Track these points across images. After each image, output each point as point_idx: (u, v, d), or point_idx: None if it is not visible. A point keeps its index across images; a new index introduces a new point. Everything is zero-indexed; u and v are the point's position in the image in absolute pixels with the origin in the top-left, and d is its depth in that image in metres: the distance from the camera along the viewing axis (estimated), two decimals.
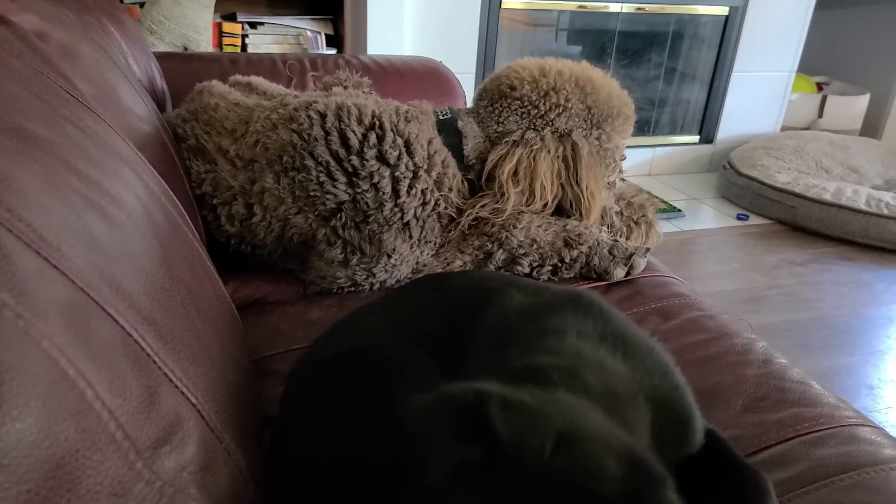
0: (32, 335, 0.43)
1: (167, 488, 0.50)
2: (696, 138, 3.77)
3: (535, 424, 0.49)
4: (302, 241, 1.24)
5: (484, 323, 0.71)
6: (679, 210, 3.19)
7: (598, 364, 0.62)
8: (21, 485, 0.40)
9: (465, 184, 1.27)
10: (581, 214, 1.25)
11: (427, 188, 1.19)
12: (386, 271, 1.20)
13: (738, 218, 3.19)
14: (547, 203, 1.24)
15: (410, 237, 1.20)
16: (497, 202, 1.22)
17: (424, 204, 1.20)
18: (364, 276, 1.20)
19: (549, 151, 1.22)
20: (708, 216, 3.23)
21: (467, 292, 0.80)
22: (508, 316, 0.71)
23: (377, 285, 1.21)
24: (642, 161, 3.69)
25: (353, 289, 1.21)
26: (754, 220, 3.16)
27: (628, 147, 1.48)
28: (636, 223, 1.35)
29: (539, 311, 0.71)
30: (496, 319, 0.71)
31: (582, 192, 1.24)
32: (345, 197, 1.17)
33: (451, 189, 1.23)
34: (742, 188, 3.30)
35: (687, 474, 0.67)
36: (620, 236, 1.30)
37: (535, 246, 1.19)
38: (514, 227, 1.20)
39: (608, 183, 1.32)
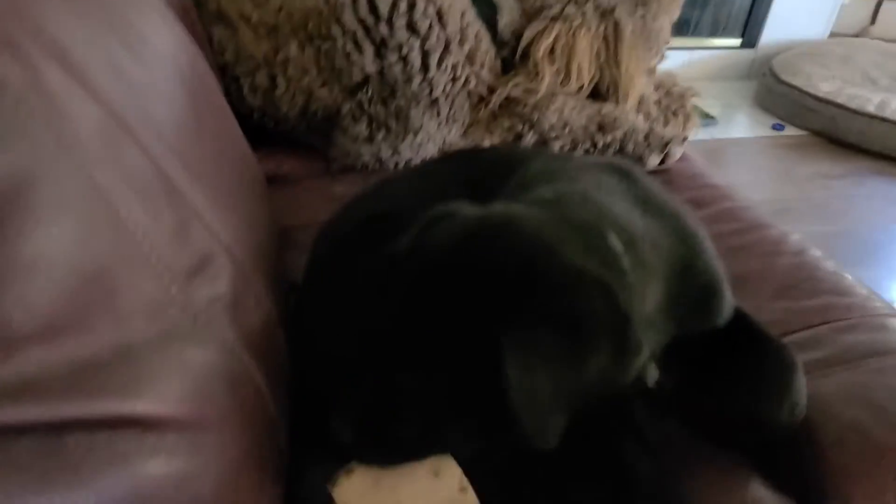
0: (63, 145, 0.42)
1: (201, 316, 0.51)
2: (737, 42, 3.57)
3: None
4: (326, 116, 1.21)
5: (506, 187, 0.69)
6: (713, 117, 3.07)
7: (605, 205, 0.60)
8: (58, 290, 0.39)
9: (498, 61, 1.21)
10: (618, 99, 1.20)
11: (458, 63, 1.14)
12: (412, 149, 1.17)
13: (774, 128, 3.07)
14: (583, 85, 1.19)
15: (438, 114, 1.16)
16: (530, 81, 1.17)
17: (455, 80, 1.15)
18: (389, 154, 1.18)
19: (589, 29, 1.16)
20: (742, 125, 3.11)
21: (496, 164, 0.78)
22: (530, 177, 0.69)
23: (402, 163, 1.19)
24: (677, 64, 3.51)
25: (377, 166, 1.19)
26: (790, 130, 3.04)
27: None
28: (674, 114, 1.29)
29: (562, 170, 0.68)
30: (518, 181, 0.69)
31: (621, 75, 1.18)
32: (372, 69, 1.12)
33: (482, 66, 1.17)
34: (781, 96, 3.15)
35: (713, 347, 0.67)
36: (656, 126, 1.25)
37: (567, 129, 1.15)
38: (547, 109, 1.15)
39: (649, 68, 1.26)
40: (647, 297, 0.58)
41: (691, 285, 0.62)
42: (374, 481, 0.53)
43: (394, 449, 0.54)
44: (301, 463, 0.61)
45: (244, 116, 1.26)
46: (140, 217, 0.47)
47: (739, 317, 0.68)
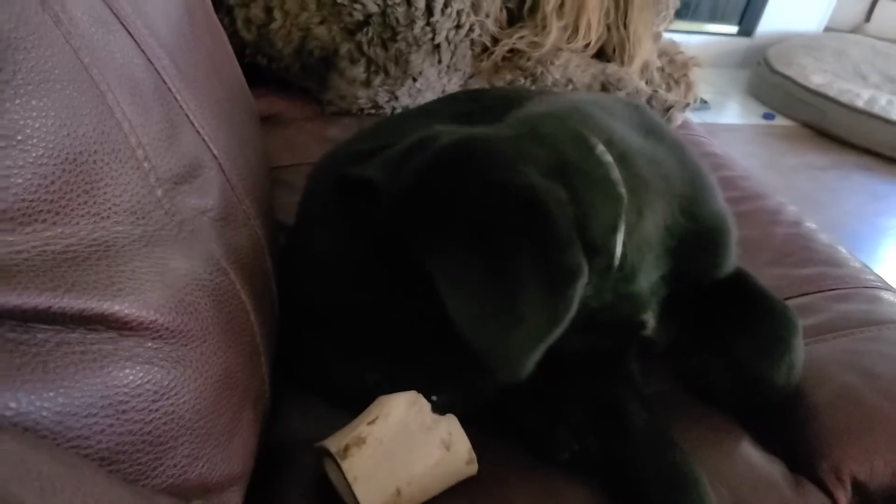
0: (51, 14, 0.38)
1: (186, 224, 0.47)
2: (734, 29, 3.55)
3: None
4: (323, 56, 1.16)
5: (511, 115, 0.66)
6: (705, 102, 3.07)
7: (600, 122, 0.57)
8: (35, 167, 0.36)
9: (504, 12, 1.17)
10: (623, 61, 1.17)
11: (463, 10, 1.10)
12: (410, 95, 1.13)
13: (765, 117, 3.08)
14: (590, 43, 1.16)
15: (440, 62, 1.12)
16: (536, 35, 1.13)
17: (458, 27, 1.11)
18: (386, 99, 1.14)
19: None
20: (734, 112, 3.11)
21: (501, 101, 0.75)
22: (534, 102, 0.66)
23: (399, 109, 1.15)
24: None
25: (373, 111, 1.15)
26: (780, 120, 3.05)
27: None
28: (676, 82, 1.27)
29: (565, 96, 0.66)
30: (522, 109, 0.66)
31: (628, 36, 1.15)
32: (374, 8, 1.08)
33: (488, 15, 1.14)
34: (773, 86, 3.15)
35: (714, 303, 0.66)
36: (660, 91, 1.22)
37: (570, 86, 1.12)
38: (551, 64, 1.12)
39: (655, 33, 1.23)
40: (645, 214, 0.56)
41: (694, 217, 0.59)
42: (386, 455, 0.52)
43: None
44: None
45: (237, 54, 1.20)
46: (128, 108, 0.43)
47: (741, 276, 0.67)
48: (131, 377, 0.40)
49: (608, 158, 0.53)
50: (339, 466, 0.51)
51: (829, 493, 0.60)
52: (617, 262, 0.54)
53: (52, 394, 0.36)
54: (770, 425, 0.65)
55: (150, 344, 0.41)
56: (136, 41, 0.48)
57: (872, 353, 0.70)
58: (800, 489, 0.60)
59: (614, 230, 0.53)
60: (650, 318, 0.61)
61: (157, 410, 0.41)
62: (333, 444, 0.52)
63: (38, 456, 0.31)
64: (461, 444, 0.54)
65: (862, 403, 0.64)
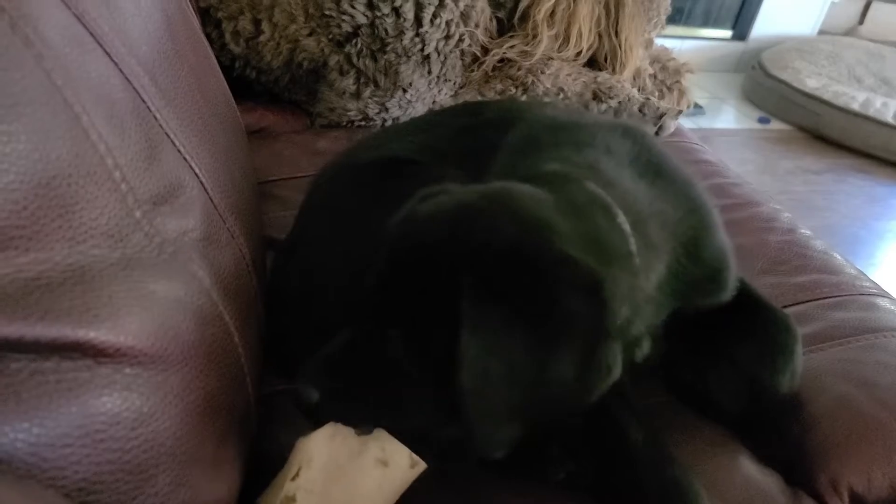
0: (19, 38, 0.38)
1: (167, 246, 0.46)
2: (728, 33, 3.56)
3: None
4: (312, 68, 1.16)
5: (511, 135, 0.65)
6: (700, 107, 3.07)
7: (614, 180, 0.56)
8: (6, 193, 0.35)
9: (494, 21, 1.17)
10: (614, 69, 1.17)
11: (452, 20, 1.10)
12: (400, 107, 1.13)
13: (760, 121, 3.08)
14: (581, 52, 1.15)
15: (429, 72, 1.12)
16: (527, 44, 1.13)
17: (448, 37, 1.11)
18: (376, 111, 1.13)
19: None
20: (729, 116, 3.11)
21: (501, 113, 0.74)
22: (535, 128, 0.65)
23: (390, 121, 1.15)
24: None
25: (363, 123, 1.15)
26: (776, 124, 3.05)
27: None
28: (668, 88, 1.27)
29: (569, 126, 0.65)
30: (523, 131, 0.65)
31: (620, 44, 1.15)
32: (363, 20, 1.08)
33: (477, 25, 1.13)
34: (768, 90, 3.16)
35: (715, 312, 0.65)
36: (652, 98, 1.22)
37: (561, 95, 1.12)
38: (542, 73, 1.12)
39: (647, 40, 1.23)
40: (651, 277, 0.55)
41: (698, 260, 0.59)
42: (327, 479, 0.50)
43: (354, 410, 0.52)
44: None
45: (225, 67, 1.20)
46: (103, 129, 0.42)
47: (741, 285, 0.66)
48: (109, 405, 0.39)
49: (627, 228, 0.52)
50: None
51: None
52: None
53: (26, 424, 0.35)
54: (766, 437, 0.64)
55: (127, 370, 0.40)
56: (113, 60, 0.47)
57: (869, 362, 0.69)
58: (797, 502, 0.59)
59: (625, 301, 0.51)
60: (643, 349, 0.60)
61: (136, 438, 0.40)
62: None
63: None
64: (398, 454, 0.52)
65: (859, 414, 0.63)
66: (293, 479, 0.50)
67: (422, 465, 0.53)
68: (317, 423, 0.51)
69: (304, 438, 0.51)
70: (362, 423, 0.52)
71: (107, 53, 0.47)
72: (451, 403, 0.45)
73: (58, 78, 0.40)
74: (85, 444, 0.37)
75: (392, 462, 0.51)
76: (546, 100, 1.12)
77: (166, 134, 0.51)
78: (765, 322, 0.63)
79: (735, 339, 0.63)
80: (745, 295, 0.65)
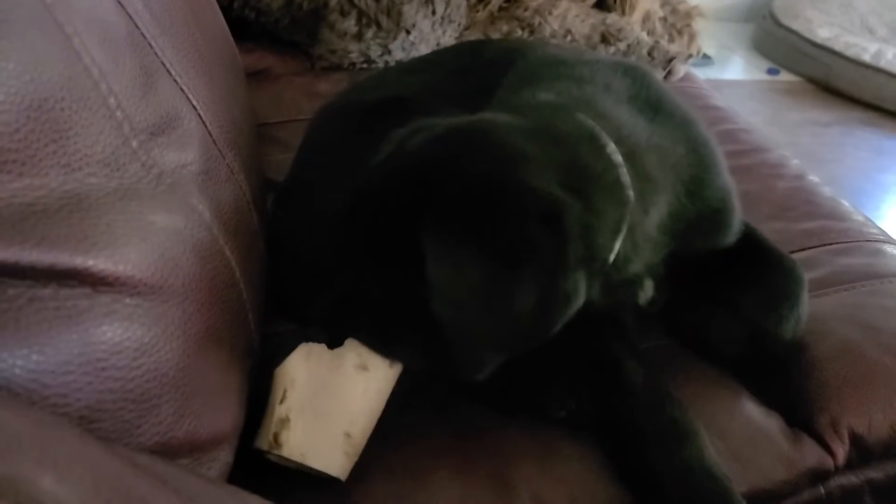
0: None
1: (165, 178, 0.45)
2: None
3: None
4: (312, 8, 1.12)
5: (511, 72, 0.64)
6: (709, 57, 3.00)
7: (609, 113, 0.55)
8: None
9: None
10: (623, 11, 1.14)
11: None
12: (403, 49, 1.10)
13: (769, 72, 3.01)
14: None
15: (433, 13, 1.09)
16: None
17: None
18: (378, 53, 1.10)
19: None
20: (738, 67, 3.04)
21: (503, 52, 0.72)
22: (535, 64, 0.64)
23: (392, 64, 1.12)
24: None
25: (365, 65, 1.12)
26: (785, 75, 2.99)
27: None
28: (679, 32, 1.23)
29: (569, 62, 0.63)
30: (522, 68, 0.64)
31: None
32: None
33: None
34: (778, 40, 3.08)
35: (720, 257, 0.64)
36: (661, 42, 1.18)
37: (569, 37, 1.09)
38: (549, 14, 1.09)
39: None
40: (651, 212, 0.54)
41: (699, 200, 0.58)
42: (315, 415, 0.51)
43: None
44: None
45: (224, 7, 1.16)
46: (97, 54, 0.41)
47: (747, 230, 0.65)
48: (109, 334, 0.38)
49: (618, 159, 0.52)
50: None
51: (826, 447, 0.60)
52: (612, 260, 0.52)
53: (25, 351, 0.35)
54: (768, 379, 0.64)
55: (128, 300, 0.40)
56: None
57: (874, 306, 0.69)
58: (797, 443, 0.60)
59: (617, 233, 0.51)
60: (645, 290, 0.60)
61: (138, 367, 0.40)
62: (261, 441, 0.51)
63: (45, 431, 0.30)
64: (375, 357, 0.53)
65: (862, 357, 0.63)
66: (281, 402, 0.51)
67: (399, 366, 0.54)
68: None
69: (281, 365, 0.52)
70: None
71: None
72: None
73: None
74: (87, 372, 0.37)
75: (371, 365, 0.53)
76: (553, 41, 1.09)
77: (162, 63, 0.50)
78: (770, 268, 0.62)
79: (740, 286, 0.63)
80: (751, 240, 0.64)
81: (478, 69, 0.70)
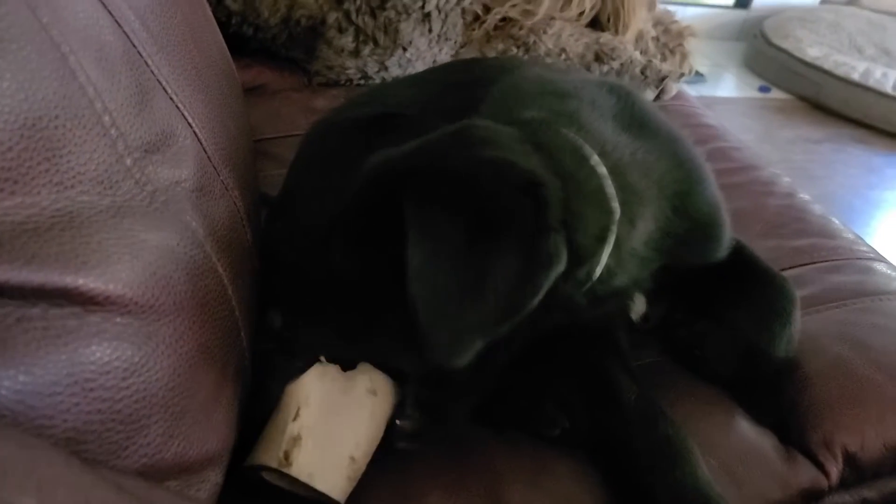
0: None
1: (159, 195, 0.45)
2: (730, 1, 3.50)
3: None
4: (310, 25, 1.13)
5: (496, 87, 0.64)
6: (701, 75, 3.03)
7: (593, 128, 0.56)
8: None
9: None
10: (617, 30, 1.15)
11: None
12: (400, 66, 1.11)
13: (760, 90, 3.05)
14: (584, 11, 1.13)
15: (430, 31, 1.09)
16: (529, 3, 1.10)
17: None
18: (375, 69, 1.11)
19: None
20: (730, 85, 3.07)
21: (493, 70, 0.73)
22: (520, 81, 0.65)
23: (388, 80, 1.12)
24: None
25: (362, 81, 1.12)
26: (776, 93, 3.02)
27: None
28: (671, 51, 1.24)
29: (555, 79, 0.64)
30: (508, 84, 0.64)
31: (623, 4, 1.12)
32: None
33: None
34: (770, 59, 3.12)
35: (712, 275, 0.64)
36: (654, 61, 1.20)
37: (563, 56, 1.10)
38: (544, 33, 1.09)
39: (650, 2, 1.20)
40: (638, 225, 0.55)
41: (686, 215, 0.58)
42: (326, 436, 0.51)
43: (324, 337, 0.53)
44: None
45: (221, 24, 1.17)
46: (92, 72, 0.41)
47: (737, 247, 0.65)
48: (98, 354, 0.38)
49: (602, 170, 0.52)
50: (284, 474, 0.49)
51: (819, 465, 0.60)
52: (599, 272, 0.53)
53: (12, 371, 0.34)
54: (761, 397, 0.64)
55: (118, 319, 0.39)
56: (101, 2, 0.45)
57: (865, 324, 0.69)
58: (791, 461, 0.60)
59: (601, 241, 0.51)
60: (636, 304, 0.60)
61: (127, 388, 0.40)
62: (268, 458, 0.50)
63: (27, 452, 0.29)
64: (384, 382, 0.54)
65: (854, 375, 0.64)
66: (294, 419, 0.50)
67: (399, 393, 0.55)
68: (285, 350, 0.53)
69: (295, 382, 0.52)
70: (333, 351, 0.53)
71: None
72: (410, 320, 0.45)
73: (44, 15, 0.38)
74: (74, 393, 0.37)
75: (380, 390, 0.53)
76: (548, 60, 1.10)
77: (158, 81, 0.50)
78: (763, 287, 0.62)
79: (732, 304, 0.63)
80: (744, 258, 0.64)
81: (468, 86, 0.70)
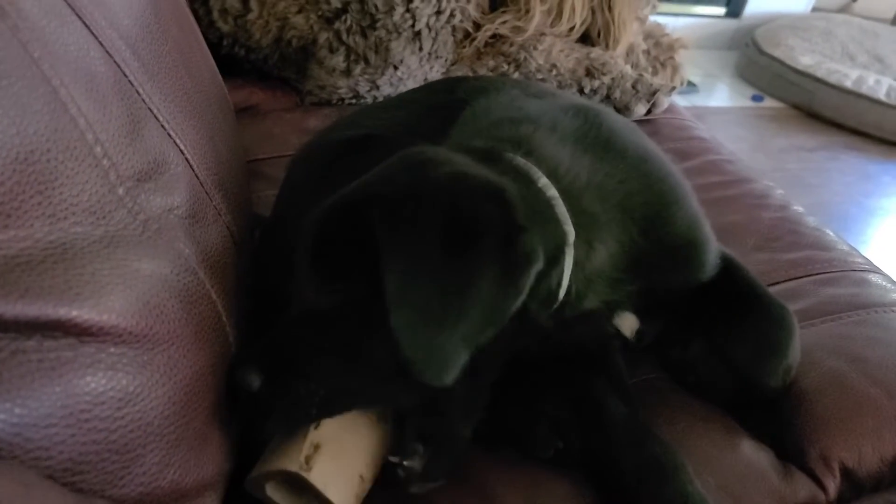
0: None
1: (152, 224, 0.45)
2: (721, 10, 3.53)
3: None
4: (301, 45, 1.14)
5: (466, 112, 0.65)
6: (694, 85, 3.05)
7: (545, 153, 0.56)
8: None
9: None
10: (608, 45, 1.16)
11: None
12: (391, 84, 1.11)
13: (753, 99, 3.06)
14: (574, 27, 1.14)
15: (421, 49, 1.10)
16: (519, 19, 1.11)
17: (439, 13, 1.09)
18: (367, 88, 1.12)
19: None
20: (723, 94, 3.09)
21: (473, 92, 0.73)
22: (491, 105, 0.65)
23: (380, 99, 1.13)
24: None
25: (353, 101, 1.13)
26: (769, 102, 3.04)
27: None
28: (662, 64, 1.25)
29: (521, 105, 0.64)
30: (480, 107, 0.65)
31: (613, 19, 1.13)
32: None
33: (469, 0, 1.11)
34: (762, 68, 3.14)
35: (707, 300, 0.64)
36: (645, 75, 1.20)
37: (554, 72, 1.11)
38: (535, 49, 1.10)
39: (640, 17, 1.21)
40: (597, 248, 0.54)
41: (659, 238, 0.57)
42: (342, 450, 0.51)
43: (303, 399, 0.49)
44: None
45: (213, 45, 1.18)
46: (83, 104, 0.41)
47: (732, 268, 0.65)
48: (93, 384, 0.38)
49: (552, 193, 0.52)
50: (300, 481, 0.49)
51: (817, 481, 0.60)
52: (563, 293, 0.53)
53: (7, 405, 0.34)
54: (757, 413, 0.64)
55: (112, 349, 0.39)
56: (92, 33, 0.46)
57: (860, 337, 0.69)
58: (788, 477, 0.60)
59: (555, 262, 0.51)
60: (626, 322, 0.60)
61: (122, 418, 0.40)
62: (288, 462, 0.49)
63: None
64: (390, 413, 0.54)
65: (850, 389, 0.63)
66: (316, 427, 0.51)
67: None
68: (256, 415, 0.50)
69: None
70: (310, 406, 0.49)
71: (86, 26, 0.45)
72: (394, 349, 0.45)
73: (35, 50, 0.39)
74: (69, 425, 0.37)
75: (389, 420, 0.54)
76: (539, 76, 1.11)
77: (149, 109, 0.50)
78: (758, 317, 0.61)
79: (728, 335, 0.62)
80: (738, 283, 0.64)
81: (447, 106, 0.70)
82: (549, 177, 0.53)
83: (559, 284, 0.52)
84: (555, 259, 0.51)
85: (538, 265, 0.47)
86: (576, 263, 0.52)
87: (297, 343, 0.49)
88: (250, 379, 0.48)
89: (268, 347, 0.49)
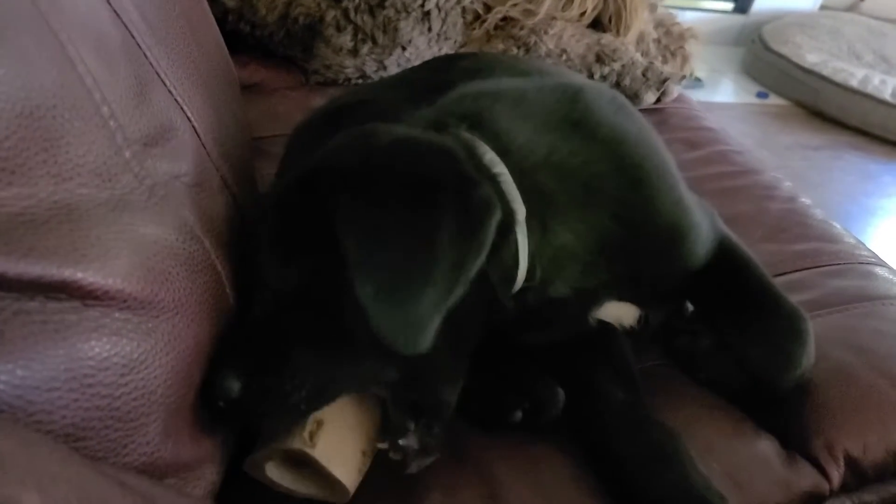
0: None
1: (158, 189, 0.44)
2: (729, 6, 3.51)
3: None
4: (307, 23, 1.12)
5: (455, 91, 0.62)
6: (699, 80, 3.04)
7: (501, 129, 0.54)
8: None
9: None
10: (618, 31, 1.14)
11: None
12: (399, 65, 1.10)
13: (758, 96, 3.05)
14: (585, 12, 1.12)
15: (430, 30, 1.09)
16: (530, 2, 1.10)
17: None
18: (374, 69, 1.10)
19: None
20: (728, 90, 3.08)
21: (468, 73, 0.71)
22: (475, 85, 0.62)
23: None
24: None
25: (360, 80, 1.12)
26: (774, 99, 3.03)
27: None
28: (672, 54, 1.24)
29: (501, 82, 0.62)
30: (468, 88, 0.62)
31: (625, 5, 1.12)
32: None
33: None
34: (768, 65, 3.12)
35: (712, 297, 0.62)
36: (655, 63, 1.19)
37: (564, 57, 1.09)
38: (545, 34, 1.09)
39: (651, 4, 1.20)
40: (555, 228, 0.53)
41: (634, 222, 0.55)
42: (344, 425, 0.51)
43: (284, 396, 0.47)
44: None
45: (218, 20, 1.16)
46: (91, 62, 0.40)
47: (746, 265, 0.63)
48: (97, 349, 0.37)
49: (499, 169, 0.51)
50: (303, 458, 0.49)
51: (822, 470, 0.59)
52: (522, 274, 0.51)
53: (10, 366, 0.33)
54: (763, 402, 0.63)
55: (117, 314, 0.39)
56: None
57: (866, 329, 0.69)
58: (793, 466, 0.59)
59: (504, 238, 0.50)
60: (617, 310, 0.59)
61: (126, 385, 0.39)
62: (292, 440, 0.49)
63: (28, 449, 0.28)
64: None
65: (856, 380, 0.63)
66: None
67: None
68: (246, 420, 0.49)
69: None
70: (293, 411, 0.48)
71: None
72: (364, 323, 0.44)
73: (43, 4, 0.38)
74: (73, 389, 0.36)
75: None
76: (549, 61, 1.10)
77: (157, 73, 0.49)
78: (769, 322, 0.60)
79: (742, 338, 0.61)
80: (751, 282, 0.62)
81: (440, 87, 0.67)
82: (498, 152, 0.52)
83: (515, 264, 0.51)
84: (504, 236, 0.49)
85: (497, 216, 0.47)
86: (533, 243, 0.51)
87: (269, 334, 0.47)
88: (229, 385, 0.45)
89: (240, 346, 0.47)
